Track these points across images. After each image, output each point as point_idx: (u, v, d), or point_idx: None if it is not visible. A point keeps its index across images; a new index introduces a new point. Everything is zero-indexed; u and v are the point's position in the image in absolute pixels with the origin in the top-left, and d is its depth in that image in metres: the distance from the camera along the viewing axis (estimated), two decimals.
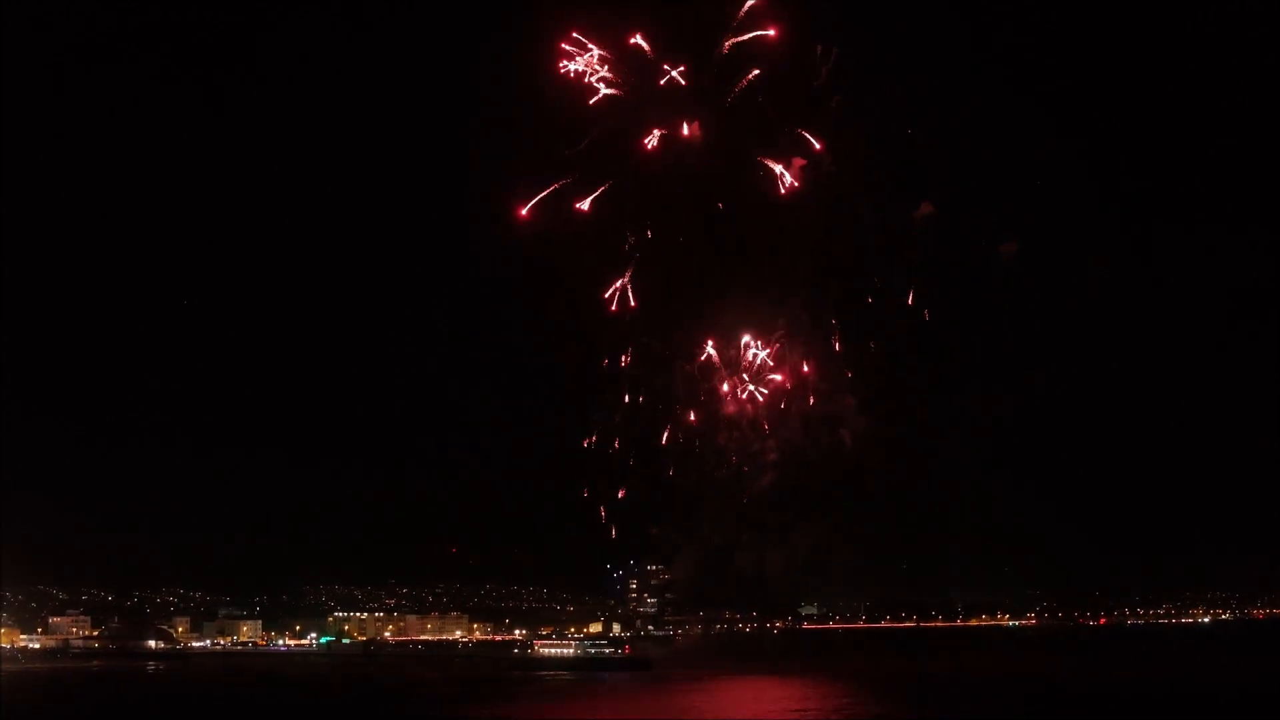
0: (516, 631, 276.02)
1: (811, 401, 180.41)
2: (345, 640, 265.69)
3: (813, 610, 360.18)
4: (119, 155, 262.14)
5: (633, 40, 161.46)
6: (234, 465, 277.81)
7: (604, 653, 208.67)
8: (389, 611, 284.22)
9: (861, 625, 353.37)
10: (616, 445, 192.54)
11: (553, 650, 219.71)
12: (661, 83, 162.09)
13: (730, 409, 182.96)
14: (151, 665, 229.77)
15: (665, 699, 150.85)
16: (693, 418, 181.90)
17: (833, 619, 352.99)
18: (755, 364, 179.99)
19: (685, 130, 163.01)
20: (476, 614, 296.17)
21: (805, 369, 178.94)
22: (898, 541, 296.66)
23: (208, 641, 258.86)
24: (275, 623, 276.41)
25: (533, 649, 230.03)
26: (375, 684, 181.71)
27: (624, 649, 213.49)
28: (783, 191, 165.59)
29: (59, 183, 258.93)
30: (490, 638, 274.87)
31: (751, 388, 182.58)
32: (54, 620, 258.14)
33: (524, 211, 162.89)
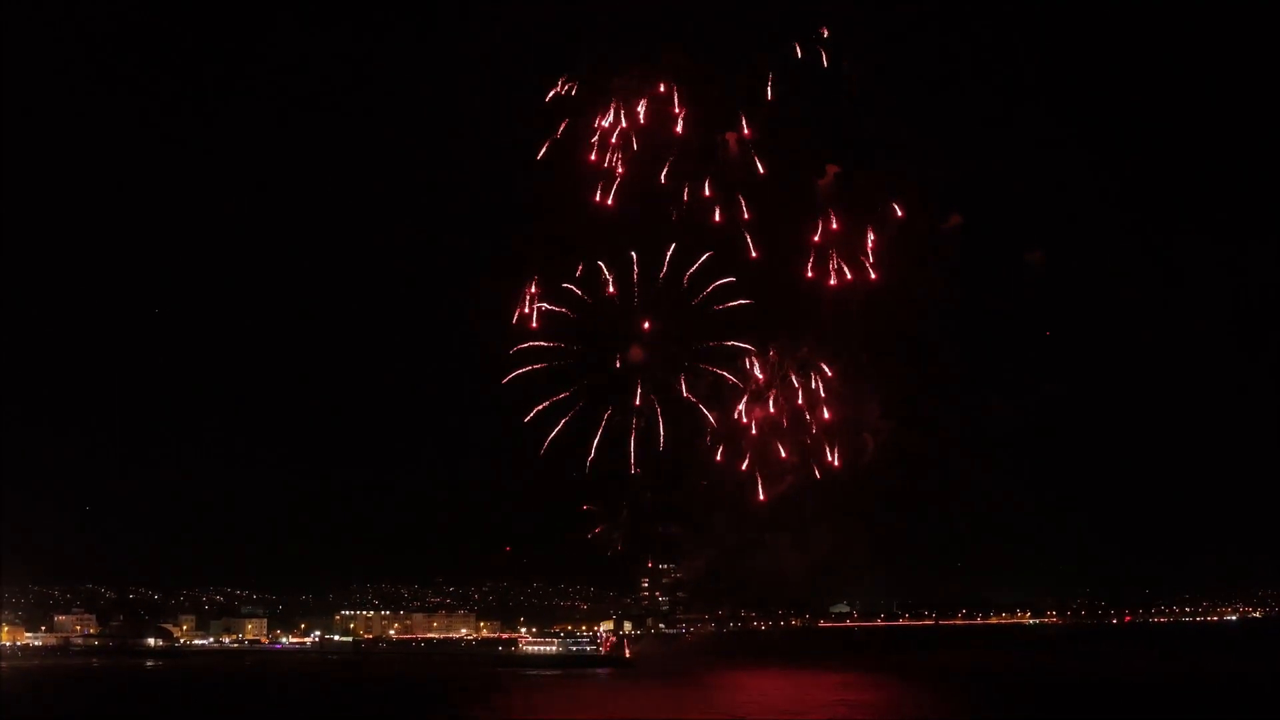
0: (524, 630, 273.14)
1: (829, 408, 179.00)
2: (345, 639, 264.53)
3: (845, 609, 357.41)
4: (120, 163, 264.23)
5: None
6: (288, 466, 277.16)
7: (584, 650, 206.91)
8: (432, 609, 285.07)
9: (880, 624, 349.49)
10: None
11: (535, 648, 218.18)
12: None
13: (755, 413, 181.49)
14: (151, 663, 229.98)
15: (584, 694, 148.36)
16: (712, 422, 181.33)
17: (848, 618, 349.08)
18: (780, 369, 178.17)
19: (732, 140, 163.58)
20: (521, 613, 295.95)
21: (829, 374, 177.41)
22: (929, 542, 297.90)
23: (210, 639, 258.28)
24: (283, 621, 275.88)
25: (516, 646, 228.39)
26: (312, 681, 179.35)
27: (604, 646, 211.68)
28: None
29: (63, 186, 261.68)
30: (498, 635, 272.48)
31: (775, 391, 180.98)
32: (59, 619, 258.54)
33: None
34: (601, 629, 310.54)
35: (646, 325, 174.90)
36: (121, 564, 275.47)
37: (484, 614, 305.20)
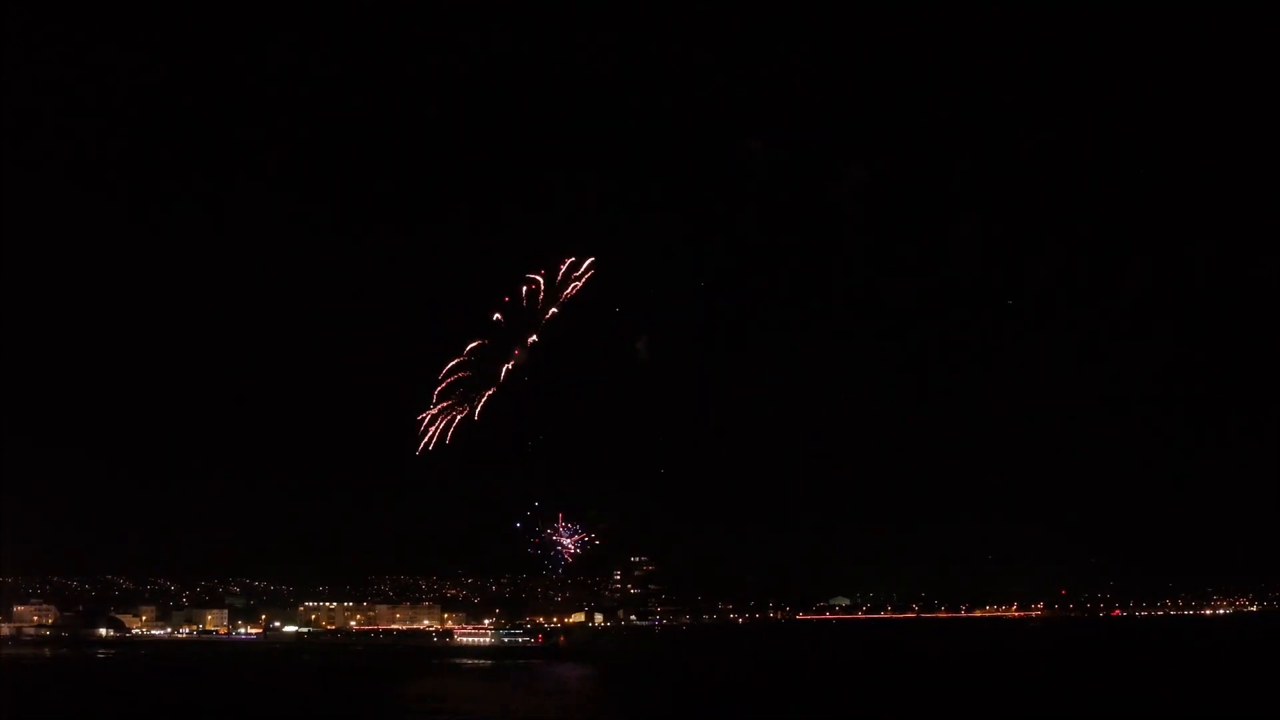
0: (485, 620, 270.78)
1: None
2: (302, 629, 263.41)
3: (846, 602, 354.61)
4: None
5: None
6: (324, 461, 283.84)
7: (517, 642, 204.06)
8: (395, 601, 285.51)
9: (860, 616, 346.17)
10: None
11: (470, 639, 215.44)
12: None
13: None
14: (102, 652, 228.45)
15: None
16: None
17: (829, 611, 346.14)
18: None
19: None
20: (500, 605, 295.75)
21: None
22: (948, 541, 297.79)
23: (168, 630, 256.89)
24: (247, 614, 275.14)
25: (451, 637, 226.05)
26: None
27: (537, 638, 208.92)
28: None
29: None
30: (459, 627, 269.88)
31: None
32: (17, 609, 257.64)
33: None
34: (571, 620, 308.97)
35: None
36: (99, 557, 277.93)
37: (479, 607, 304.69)
